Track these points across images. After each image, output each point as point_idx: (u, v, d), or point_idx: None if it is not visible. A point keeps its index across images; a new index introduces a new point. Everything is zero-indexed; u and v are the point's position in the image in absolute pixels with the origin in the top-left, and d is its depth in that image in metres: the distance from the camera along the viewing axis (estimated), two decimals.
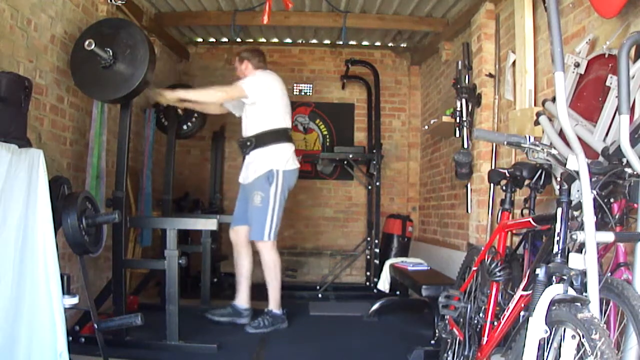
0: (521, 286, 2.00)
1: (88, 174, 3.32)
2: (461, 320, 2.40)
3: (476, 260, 2.46)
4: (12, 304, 2.10)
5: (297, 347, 3.28)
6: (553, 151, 1.76)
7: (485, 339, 2.21)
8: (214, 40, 5.73)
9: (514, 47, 3.33)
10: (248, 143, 3.74)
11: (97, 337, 2.57)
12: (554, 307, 1.54)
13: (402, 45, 5.74)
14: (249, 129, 3.77)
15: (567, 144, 1.73)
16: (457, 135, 3.92)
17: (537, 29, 3.14)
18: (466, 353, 2.28)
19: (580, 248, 1.56)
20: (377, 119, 5.48)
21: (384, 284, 4.28)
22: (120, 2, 3.62)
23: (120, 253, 3.10)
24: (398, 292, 4.37)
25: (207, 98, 3.80)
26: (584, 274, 1.53)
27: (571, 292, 1.54)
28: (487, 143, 3.66)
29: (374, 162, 5.20)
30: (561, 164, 1.69)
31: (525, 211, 2.42)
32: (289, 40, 5.75)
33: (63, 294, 2.24)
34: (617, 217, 1.77)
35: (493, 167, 3.62)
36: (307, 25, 5.03)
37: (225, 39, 5.69)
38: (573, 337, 1.49)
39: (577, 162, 1.60)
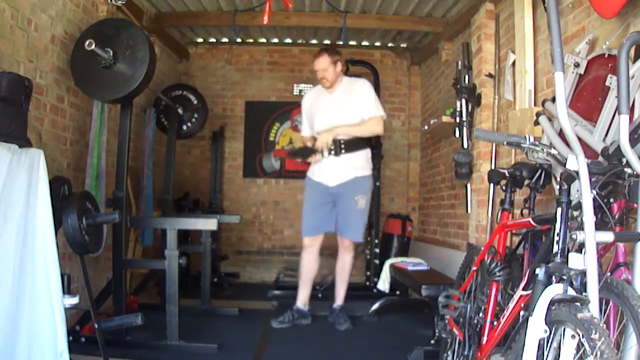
0: (521, 286, 2.00)
1: (88, 174, 3.32)
2: (461, 320, 2.40)
3: (476, 260, 2.46)
4: (12, 304, 2.11)
5: (297, 347, 3.28)
6: (553, 151, 1.76)
7: (485, 338, 2.21)
8: (214, 40, 5.74)
9: (513, 47, 3.33)
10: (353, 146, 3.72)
11: (98, 337, 2.58)
12: (553, 307, 1.54)
13: (402, 45, 5.74)
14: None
15: (567, 144, 1.74)
16: (457, 135, 3.92)
17: (537, 29, 3.14)
18: (466, 353, 2.28)
19: (580, 248, 1.56)
20: None
21: (383, 283, 4.28)
22: (120, 2, 3.62)
23: (120, 253, 3.10)
24: (398, 292, 4.38)
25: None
26: (583, 273, 1.53)
27: (571, 292, 1.54)
28: (487, 143, 3.66)
29: (374, 162, 5.18)
30: (561, 164, 1.69)
31: (525, 211, 2.42)
32: (289, 41, 5.75)
33: (63, 293, 2.24)
34: (616, 217, 1.77)
35: (493, 167, 3.62)
36: (307, 26, 5.03)
37: (225, 39, 5.69)
38: (573, 337, 1.49)
39: (577, 162, 1.60)
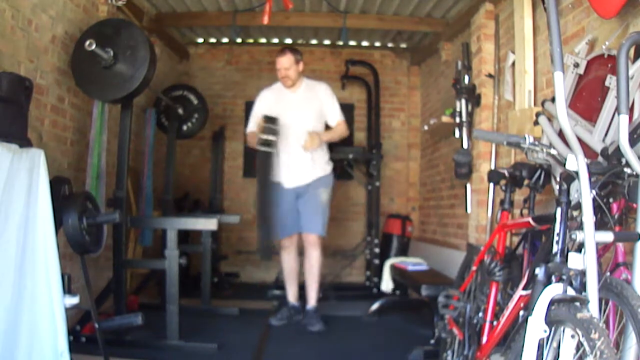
0: (520, 286, 2.00)
1: (88, 174, 3.32)
2: (461, 319, 2.41)
3: (476, 260, 2.47)
4: (13, 304, 2.11)
5: (297, 347, 3.28)
6: (552, 151, 1.76)
7: (484, 338, 2.21)
8: (214, 40, 5.74)
9: (513, 48, 3.33)
10: None
11: (98, 337, 2.58)
12: (553, 307, 1.55)
13: (401, 45, 5.74)
14: (309, 128, 3.75)
15: (567, 144, 1.74)
16: (457, 135, 3.93)
17: (536, 29, 3.15)
18: (466, 352, 2.29)
19: (580, 248, 1.57)
20: (377, 119, 5.47)
21: (386, 284, 4.29)
22: (120, 2, 3.63)
23: (120, 253, 3.10)
24: (398, 292, 4.38)
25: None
26: (583, 273, 1.53)
27: (570, 291, 1.55)
28: (487, 143, 3.67)
29: (374, 162, 5.20)
30: (560, 164, 1.70)
31: (525, 211, 2.42)
32: (289, 41, 5.75)
33: (64, 293, 2.24)
34: (616, 217, 1.77)
35: (492, 167, 3.62)
36: (307, 26, 5.04)
37: (225, 40, 5.69)
38: (572, 336, 1.49)
39: (577, 162, 1.60)
